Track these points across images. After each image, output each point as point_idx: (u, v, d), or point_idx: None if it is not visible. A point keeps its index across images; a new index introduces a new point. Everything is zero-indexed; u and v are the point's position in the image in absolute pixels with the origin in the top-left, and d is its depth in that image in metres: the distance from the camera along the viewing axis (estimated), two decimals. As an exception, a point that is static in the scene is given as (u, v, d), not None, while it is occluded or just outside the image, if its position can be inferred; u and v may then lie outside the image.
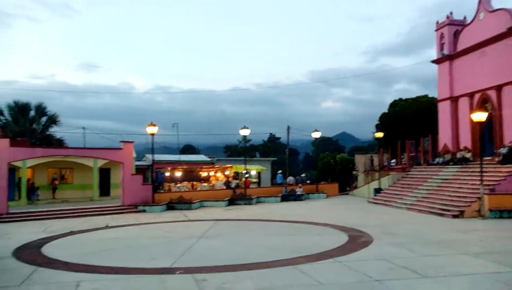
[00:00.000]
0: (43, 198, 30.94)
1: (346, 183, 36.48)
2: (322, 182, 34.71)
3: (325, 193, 31.65)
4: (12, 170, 27.10)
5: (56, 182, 33.00)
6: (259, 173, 43.81)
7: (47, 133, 41.87)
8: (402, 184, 26.69)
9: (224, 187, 31.05)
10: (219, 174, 36.42)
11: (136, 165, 35.04)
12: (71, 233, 16.01)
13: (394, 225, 16.61)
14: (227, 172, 36.46)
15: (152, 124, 25.37)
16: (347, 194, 34.17)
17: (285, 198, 29.46)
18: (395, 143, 33.13)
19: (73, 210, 22.83)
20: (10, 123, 39.45)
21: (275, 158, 53.80)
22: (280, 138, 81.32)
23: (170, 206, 24.84)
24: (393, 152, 34.08)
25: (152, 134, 25.55)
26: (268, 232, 15.70)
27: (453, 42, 28.18)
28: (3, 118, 39.99)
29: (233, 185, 31.15)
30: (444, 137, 28.37)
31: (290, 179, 34.83)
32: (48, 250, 12.42)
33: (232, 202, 27.33)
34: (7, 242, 14.06)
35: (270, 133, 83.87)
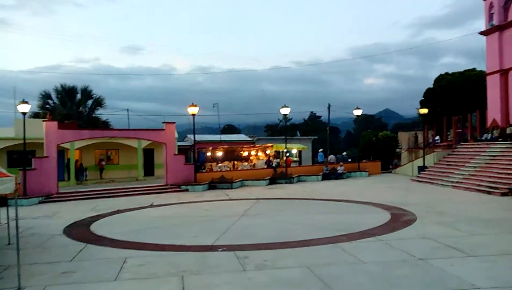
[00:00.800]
0: (91, 178, 32.11)
1: (389, 161, 35.78)
2: (363, 160, 34.19)
3: (367, 171, 31.19)
4: (61, 152, 28.23)
5: (103, 163, 34.12)
6: (300, 152, 43.60)
7: (93, 115, 43.16)
8: (448, 161, 25.90)
9: (265, 166, 31.15)
10: (260, 153, 36.58)
11: (179, 146, 35.68)
12: (118, 211, 16.56)
13: (439, 203, 16.19)
14: (268, 151, 36.54)
15: (193, 105, 25.63)
16: (390, 172, 33.52)
17: (326, 177, 29.28)
18: (441, 119, 32.07)
19: (119, 190, 23.60)
20: (58, 106, 40.86)
21: (316, 137, 53.33)
22: (321, 116, 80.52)
23: (212, 185, 25.22)
24: (438, 128, 33.03)
25: (193, 115, 25.83)
26: (309, 210, 15.68)
27: (503, 12, 26.72)
28: (51, 101, 41.48)
29: (274, 164, 31.21)
30: (493, 112, 27.19)
31: (331, 157, 34.52)
32: (97, 227, 12.93)
33: (273, 181, 27.43)
34: (58, 220, 14.72)
35: (311, 112, 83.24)
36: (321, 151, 36.29)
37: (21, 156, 24.97)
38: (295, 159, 40.62)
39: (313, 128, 73.90)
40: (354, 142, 58.50)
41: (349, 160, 34.69)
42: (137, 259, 8.84)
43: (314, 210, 15.62)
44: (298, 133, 58.59)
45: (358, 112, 32.77)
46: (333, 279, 7.07)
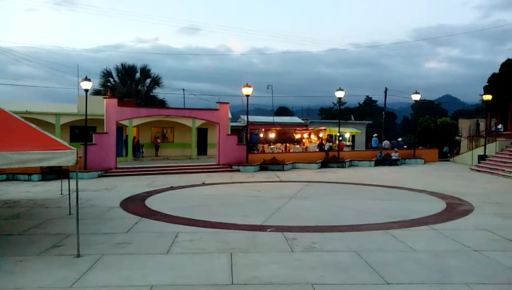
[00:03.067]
0: (147, 155, 33.24)
1: (447, 149, 34.46)
2: (420, 147, 33.13)
3: (423, 158, 30.23)
4: (120, 129, 29.33)
5: (159, 141, 35.16)
6: (353, 136, 42.89)
7: (151, 94, 44.40)
8: (511, 151, 24.59)
9: (317, 150, 30.92)
10: (312, 136, 36.30)
11: (232, 126, 36.10)
12: (171, 188, 17.05)
13: (500, 194, 15.46)
14: (320, 135, 36.20)
15: (247, 86, 25.72)
16: (448, 160, 32.31)
17: (379, 163, 28.67)
18: (505, 106, 30.37)
19: (173, 167, 24.26)
20: (118, 84, 42.34)
21: (371, 121, 52.19)
22: (377, 100, 78.61)
23: (263, 166, 25.37)
24: (502, 116, 31.34)
25: (247, 95, 25.94)
26: (360, 195, 15.45)
27: None
28: (112, 79, 43.03)
29: (326, 148, 30.90)
30: None
31: (386, 143, 33.70)
32: (151, 202, 13.39)
33: (324, 164, 27.22)
34: (116, 193, 15.37)
35: (367, 96, 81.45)
36: (375, 136, 35.47)
37: (83, 131, 26.17)
38: (348, 143, 40.04)
39: (368, 112, 72.38)
40: (410, 128, 56.68)
41: (405, 146, 33.70)
42: (188, 234, 9.09)
43: (365, 196, 15.36)
44: (352, 117, 57.56)
45: (416, 97, 31.67)
46: (382, 265, 6.95)
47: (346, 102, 75.59)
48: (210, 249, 7.95)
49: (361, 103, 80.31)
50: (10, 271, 6.69)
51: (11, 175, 19.86)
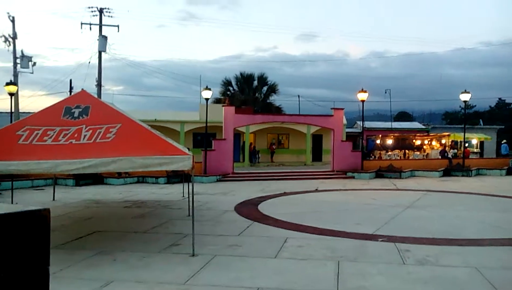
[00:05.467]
0: (263, 161, 34.17)
1: None
2: None
3: None
4: (238, 135, 30.59)
5: (274, 147, 35.96)
6: (481, 143, 39.56)
7: (268, 101, 45.62)
8: None
9: (439, 157, 29.08)
10: (434, 143, 34.27)
11: (347, 132, 35.59)
12: (284, 193, 17.31)
13: None
14: (443, 141, 34.02)
15: (363, 91, 25.15)
16: None
17: (511, 172, 26.02)
18: None
19: (287, 173, 24.61)
20: (237, 92, 44.24)
21: (503, 126, 47.59)
22: (510, 104, 71.44)
23: (379, 173, 24.54)
24: None
25: (363, 101, 25.36)
26: (485, 207, 14.17)
27: None
28: (231, 88, 45.10)
29: (449, 155, 28.94)
30: None
31: (520, 150, 30.53)
32: (263, 207, 13.74)
33: (447, 173, 25.47)
34: (231, 198, 16.04)
35: (499, 98, 74.40)
36: (505, 143, 32.29)
37: (204, 138, 27.81)
38: (475, 150, 37.06)
39: (500, 116, 66.04)
40: (552, 134, 50.54)
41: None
42: (297, 240, 9.16)
43: (491, 207, 14.05)
44: (481, 122, 53.08)
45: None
46: (505, 284, 6.33)
47: (475, 106, 70.05)
48: (317, 256, 7.93)
49: (492, 106, 73.66)
50: (134, 265, 7.37)
51: (141, 178, 21.79)
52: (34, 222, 1.61)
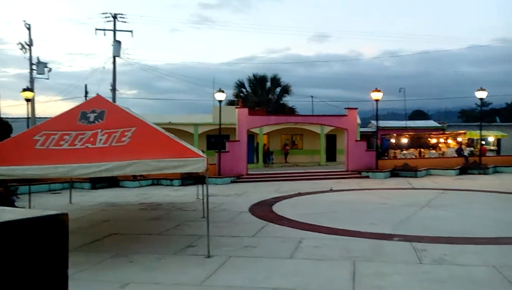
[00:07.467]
0: (277, 161, 34.16)
1: None
2: None
3: None
4: (251, 136, 30.62)
5: (288, 148, 35.91)
6: (498, 140, 39.01)
7: (281, 102, 45.63)
8: None
9: (455, 155, 28.75)
10: (450, 141, 33.90)
11: (361, 132, 35.40)
12: (299, 194, 17.28)
13: None
14: (459, 139, 33.64)
15: (377, 90, 25.00)
16: None
17: (530, 169, 25.61)
18: None
19: (302, 174, 24.57)
20: (250, 94, 44.32)
21: (520, 123, 46.88)
22: (527, 100, 70.36)
23: (394, 173, 24.34)
24: None
25: (377, 100, 25.22)
26: (502, 206, 13.99)
27: None
28: (244, 90, 45.19)
29: (466, 153, 28.59)
30: None
31: (538, 147, 30.03)
32: (278, 208, 13.74)
33: (463, 171, 25.15)
34: (246, 199, 16.07)
35: (516, 94, 73.38)
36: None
37: (217, 139, 27.90)
38: (492, 148, 36.56)
39: (517, 113, 65.04)
40: None
41: None
42: (312, 240, 9.15)
43: (508, 206, 13.89)
44: (498, 119, 52.36)
45: None
46: (525, 284, 6.24)
47: (491, 103, 69.01)
48: (333, 256, 7.91)
49: (508, 103, 72.57)
50: (150, 267, 7.44)
51: (156, 181, 21.95)
52: (53, 226, 1.64)
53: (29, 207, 12.79)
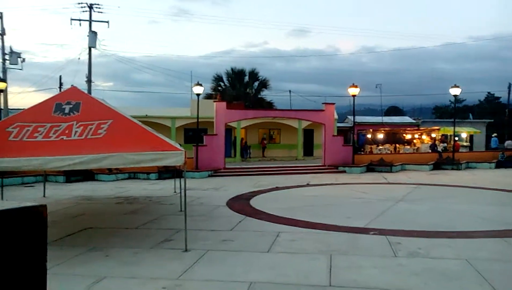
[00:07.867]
0: (254, 156, 34.21)
1: None
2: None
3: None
4: (229, 130, 30.59)
5: (265, 142, 36.00)
6: (471, 136, 39.94)
7: (259, 96, 45.65)
8: None
9: (429, 151, 29.31)
10: (424, 137, 34.53)
11: (339, 127, 35.71)
12: (276, 188, 17.35)
13: None
14: (433, 135, 34.30)
15: (354, 86, 25.27)
16: None
17: (501, 165, 26.31)
18: None
19: (279, 168, 24.67)
20: (228, 88, 44.20)
21: (492, 120, 48.06)
22: (500, 97, 71.98)
23: (370, 168, 24.68)
24: None
25: (353, 96, 25.47)
26: (475, 199, 14.35)
27: None
28: (223, 83, 45.02)
29: (439, 149, 29.18)
30: None
31: (509, 143, 30.94)
32: (256, 202, 13.77)
33: (437, 166, 25.69)
34: (223, 193, 16.05)
35: (488, 92, 74.98)
36: (495, 136, 32.64)
37: (195, 133, 27.75)
38: (464, 143, 37.39)
39: (489, 110, 66.61)
40: (540, 127, 51.12)
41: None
42: (290, 234, 9.21)
43: (481, 200, 14.23)
44: (471, 116, 53.57)
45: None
46: (495, 275, 6.41)
47: (464, 100, 70.46)
48: (310, 250, 7.98)
49: (481, 100, 74.23)
50: (127, 261, 7.37)
51: (132, 174, 21.71)
52: (31, 218, 1.61)
53: (1, 200, 12.50)
